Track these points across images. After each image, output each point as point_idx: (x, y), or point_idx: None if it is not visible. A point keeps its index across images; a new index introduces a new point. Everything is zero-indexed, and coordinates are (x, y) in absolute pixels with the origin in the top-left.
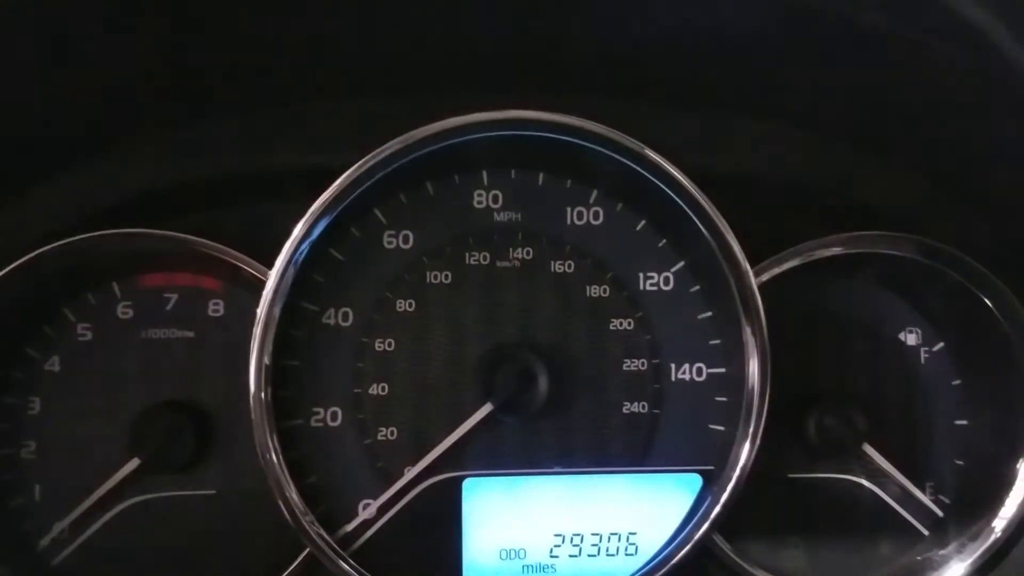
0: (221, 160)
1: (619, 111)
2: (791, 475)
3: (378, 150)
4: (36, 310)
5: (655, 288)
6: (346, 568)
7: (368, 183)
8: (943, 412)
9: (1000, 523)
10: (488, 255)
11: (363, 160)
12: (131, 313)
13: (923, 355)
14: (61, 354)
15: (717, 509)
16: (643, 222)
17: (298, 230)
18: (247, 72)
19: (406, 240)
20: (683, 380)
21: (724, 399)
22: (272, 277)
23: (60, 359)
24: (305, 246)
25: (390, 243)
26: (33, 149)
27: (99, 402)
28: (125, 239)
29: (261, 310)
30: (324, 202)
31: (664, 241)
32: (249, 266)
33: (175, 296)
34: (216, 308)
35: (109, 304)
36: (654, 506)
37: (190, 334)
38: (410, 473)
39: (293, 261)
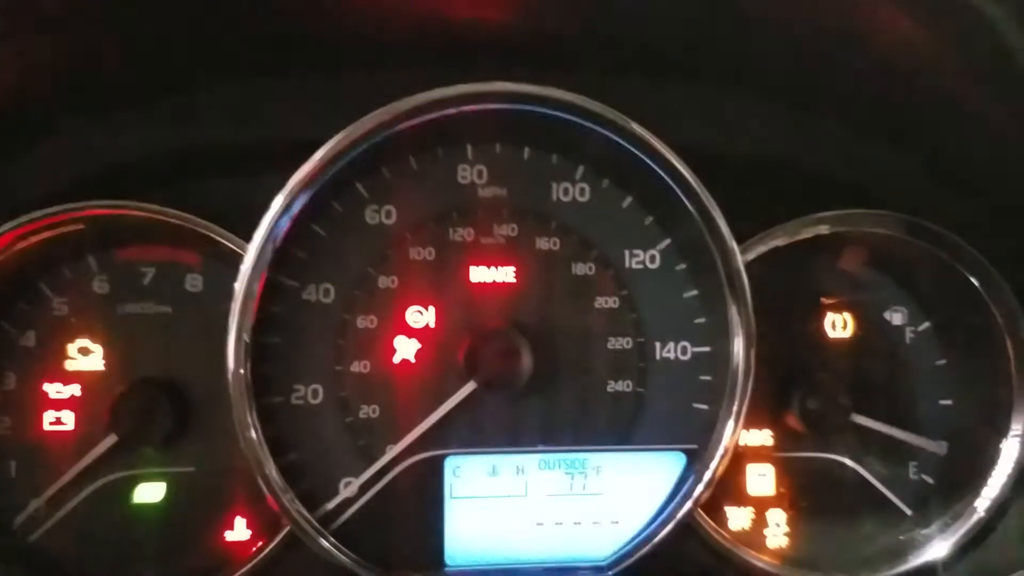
0: (200, 132)
1: (606, 86)
2: (775, 454)
3: (360, 122)
4: (11, 284)
5: (641, 266)
6: (327, 546)
7: (350, 156)
8: (927, 392)
9: (983, 503)
10: (472, 231)
11: (344, 132)
12: (107, 287)
13: (908, 334)
14: (37, 329)
15: (700, 487)
16: (629, 199)
17: (277, 204)
18: (228, 43)
19: (389, 215)
20: (668, 359)
21: (708, 378)
22: (251, 252)
23: (36, 334)
24: (285, 220)
25: (372, 218)
26: (6, 121)
27: (75, 378)
28: (102, 211)
29: (239, 285)
30: (304, 175)
31: (650, 219)
32: (227, 240)
33: (152, 270)
34: (194, 283)
35: (85, 278)
36: (638, 484)
37: (167, 309)
38: (392, 451)
39: (272, 236)
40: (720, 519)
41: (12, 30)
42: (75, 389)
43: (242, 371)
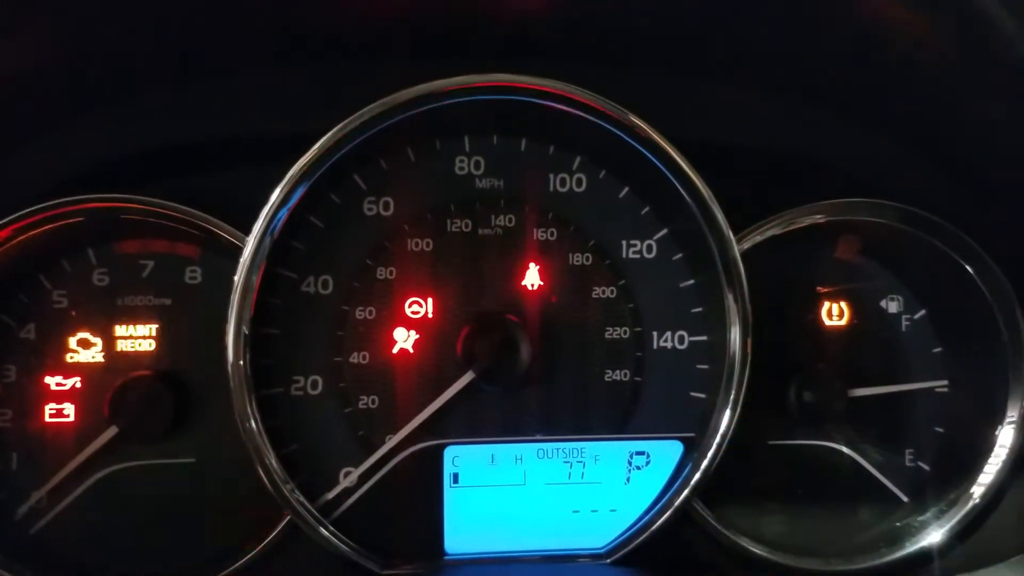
0: (199, 124)
1: (602, 77)
2: (772, 442)
3: (357, 114)
4: (11, 277)
5: (638, 256)
6: (327, 535)
7: (347, 148)
8: (923, 379)
9: (979, 489)
10: (470, 222)
11: (342, 124)
12: (107, 280)
13: (904, 323)
14: (37, 321)
15: (698, 476)
16: (626, 189)
17: (276, 196)
18: (227, 35)
19: (386, 207)
20: (665, 348)
21: (705, 367)
22: (250, 244)
23: (36, 326)
24: (283, 212)
25: (370, 210)
26: (6, 115)
27: (75, 370)
28: (101, 204)
29: (239, 277)
30: (302, 167)
31: (647, 209)
32: (226, 232)
33: (151, 263)
34: (193, 275)
35: (85, 271)
36: (635, 473)
37: (167, 301)
38: (391, 441)
39: (271, 228)
40: (718, 507)
41: (12, 24)
42: (75, 381)
43: (241, 362)
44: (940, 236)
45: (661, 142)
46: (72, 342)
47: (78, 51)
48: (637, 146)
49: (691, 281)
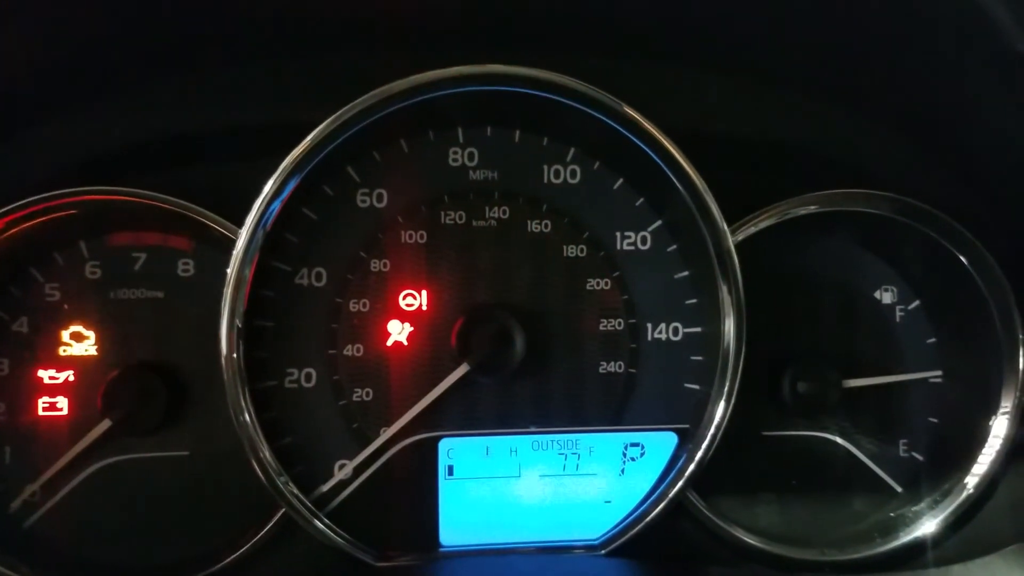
0: (192, 117)
1: (596, 68)
2: (766, 433)
3: (350, 105)
4: (2, 270)
5: (632, 248)
6: (322, 528)
7: (340, 139)
8: (918, 370)
9: (973, 479)
10: (464, 214)
11: (335, 116)
12: (99, 273)
13: (899, 313)
14: (29, 315)
15: (692, 467)
16: (620, 181)
17: (268, 188)
18: (217, 27)
19: (380, 199)
20: (659, 339)
21: (700, 358)
22: (242, 236)
23: (28, 320)
24: (276, 204)
25: (364, 202)
26: None
27: (68, 363)
28: (93, 197)
29: (231, 270)
30: (295, 159)
31: (641, 200)
32: (219, 225)
33: (144, 256)
34: (186, 268)
35: (77, 264)
36: (630, 464)
37: (160, 294)
38: (386, 434)
39: (264, 220)
40: (712, 498)
41: (7, 16)
42: (68, 375)
43: (235, 355)
44: (934, 226)
45: (655, 133)
46: (65, 335)
47: (69, 43)
48: (631, 137)
49: (685, 272)
